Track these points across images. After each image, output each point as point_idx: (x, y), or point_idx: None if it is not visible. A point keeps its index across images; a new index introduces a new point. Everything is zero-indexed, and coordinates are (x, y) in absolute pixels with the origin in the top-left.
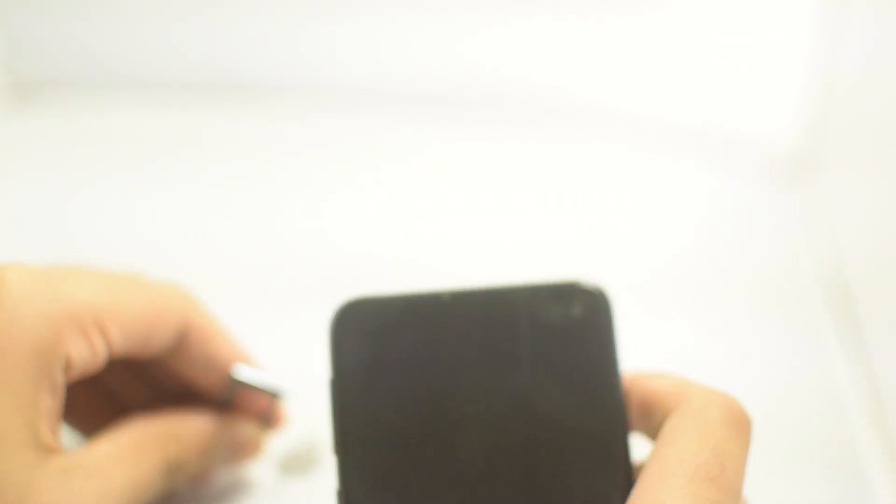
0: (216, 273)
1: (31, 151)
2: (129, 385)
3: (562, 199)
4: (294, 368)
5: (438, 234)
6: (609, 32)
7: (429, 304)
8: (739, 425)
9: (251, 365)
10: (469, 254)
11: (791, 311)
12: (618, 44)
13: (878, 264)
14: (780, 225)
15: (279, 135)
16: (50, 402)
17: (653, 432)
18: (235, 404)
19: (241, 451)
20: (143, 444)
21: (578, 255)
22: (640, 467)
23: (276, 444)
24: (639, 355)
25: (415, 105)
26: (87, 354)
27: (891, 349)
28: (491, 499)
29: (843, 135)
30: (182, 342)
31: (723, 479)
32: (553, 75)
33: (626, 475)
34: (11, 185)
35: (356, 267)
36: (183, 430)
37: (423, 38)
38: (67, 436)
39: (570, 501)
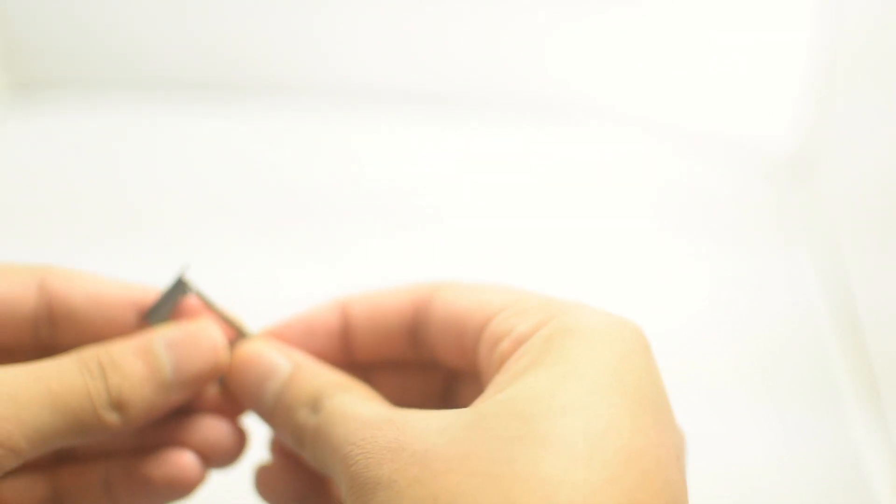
0: (214, 271)
1: (31, 151)
2: None
3: (559, 197)
4: None
5: (439, 233)
6: (609, 33)
7: None
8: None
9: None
10: (467, 254)
11: (791, 311)
12: (618, 44)
13: (877, 263)
14: (780, 225)
15: (279, 134)
16: None
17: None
18: None
19: (189, 351)
20: (54, 357)
21: (576, 254)
22: None
23: None
24: None
25: (414, 104)
26: None
27: (891, 347)
28: None
29: (843, 135)
30: (52, 301)
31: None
32: (553, 75)
33: None
34: (11, 185)
35: (354, 267)
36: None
37: (422, 37)
38: None
39: None
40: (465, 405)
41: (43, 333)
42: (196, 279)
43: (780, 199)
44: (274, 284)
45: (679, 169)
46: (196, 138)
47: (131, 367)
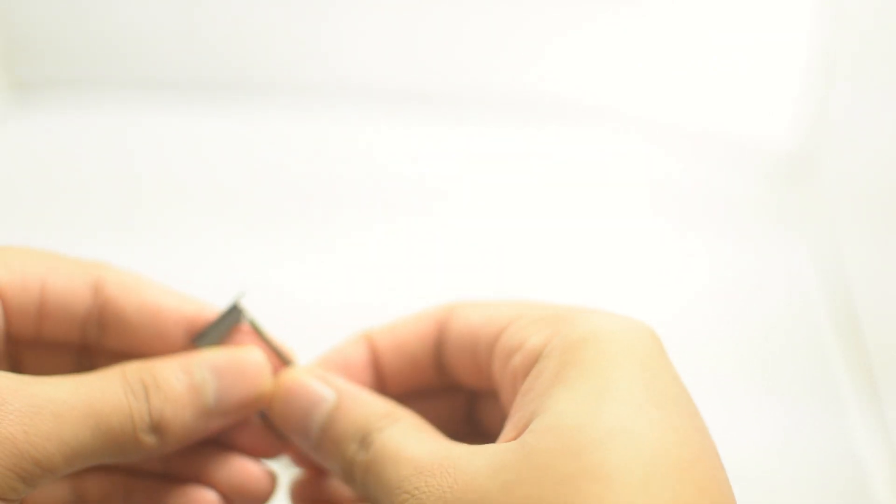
0: (211, 272)
1: (31, 151)
2: None
3: (559, 197)
4: None
5: (438, 232)
6: (609, 33)
7: None
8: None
9: (203, 312)
10: (468, 253)
11: (791, 312)
12: (617, 44)
13: (876, 261)
14: (779, 225)
15: (279, 134)
16: None
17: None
18: None
19: (234, 378)
20: (98, 371)
21: (576, 252)
22: None
23: None
24: None
25: (415, 103)
26: None
27: (889, 343)
28: None
29: (842, 135)
30: (105, 307)
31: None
32: (552, 76)
33: None
34: (11, 185)
35: (351, 268)
36: (146, 359)
37: (422, 38)
38: None
39: None
40: (490, 425)
41: (91, 334)
42: (250, 307)
43: (779, 199)
44: (273, 279)
45: (679, 168)
46: (196, 138)
47: (174, 391)
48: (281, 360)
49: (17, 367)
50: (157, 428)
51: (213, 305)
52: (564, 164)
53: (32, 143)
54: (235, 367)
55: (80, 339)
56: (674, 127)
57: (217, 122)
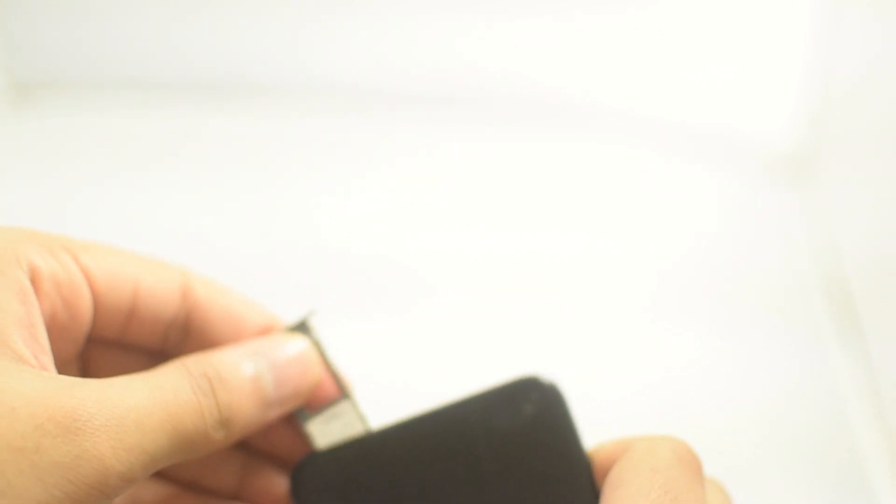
0: (213, 272)
1: (31, 151)
2: None
3: (559, 199)
4: None
5: (437, 236)
6: (608, 32)
7: (384, 443)
8: (687, 462)
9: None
10: (464, 259)
11: (792, 311)
12: (617, 44)
13: (877, 263)
14: (779, 224)
15: (279, 135)
16: (17, 307)
17: None
18: None
19: (287, 369)
20: (162, 368)
21: (576, 256)
22: None
23: None
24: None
25: (414, 105)
26: (53, 265)
27: (892, 349)
28: None
29: (842, 134)
30: (193, 309)
31: None
32: (551, 75)
33: None
34: (11, 186)
35: (352, 267)
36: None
37: (422, 38)
38: None
39: None
40: None
41: (172, 339)
42: (318, 326)
43: (779, 199)
44: (271, 275)
45: (677, 169)
46: (196, 138)
47: (237, 382)
48: (338, 385)
49: (84, 368)
50: (225, 423)
51: (282, 318)
52: (560, 164)
53: (32, 143)
54: (288, 357)
55: (161, 345)
56: (672, 127)
57: (218, 123)
